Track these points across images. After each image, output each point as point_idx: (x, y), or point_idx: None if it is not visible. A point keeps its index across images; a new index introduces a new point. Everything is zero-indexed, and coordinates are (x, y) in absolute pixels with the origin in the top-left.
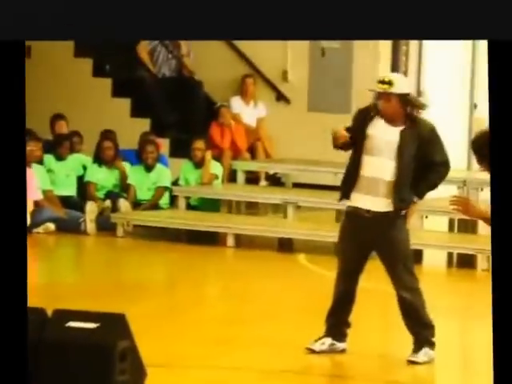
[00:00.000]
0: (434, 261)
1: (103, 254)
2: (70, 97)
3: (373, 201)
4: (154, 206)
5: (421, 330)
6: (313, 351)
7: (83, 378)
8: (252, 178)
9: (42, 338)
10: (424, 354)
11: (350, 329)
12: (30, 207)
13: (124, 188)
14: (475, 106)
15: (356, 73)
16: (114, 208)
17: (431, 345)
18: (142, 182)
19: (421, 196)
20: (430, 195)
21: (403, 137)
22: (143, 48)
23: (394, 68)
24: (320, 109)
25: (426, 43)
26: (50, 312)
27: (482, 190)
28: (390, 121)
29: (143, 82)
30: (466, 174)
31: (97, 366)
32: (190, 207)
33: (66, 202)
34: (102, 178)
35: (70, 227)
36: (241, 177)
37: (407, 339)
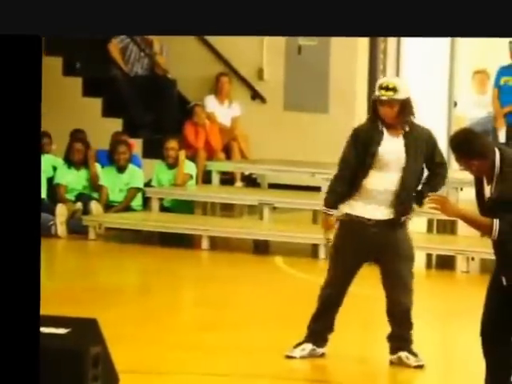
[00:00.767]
0: None
1: (74, 257)
2: None
3: (375, 209)
4: (126, 207)
5: (406, 332)
6: (293, 358)
7: None
8: (227, 179)
9: None
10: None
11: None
12: None
13: (95, 189)
14: (455, 104)
15: (333, 71)
16: (86, 210)
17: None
18: (113, 183)
19: (422, 202)
20: None
21: (407, 148)
22: (114, 46)
23: (372, 66)
24: (296, 108)
25: (404, 40)
26: None
27: (461, 189)
28: (391, 127)
29: (115, 81)
30: None
31: (69, 372)
32: (163, 209)
33: None
34: (72, 179)
35: None
36: (216, 177)
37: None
